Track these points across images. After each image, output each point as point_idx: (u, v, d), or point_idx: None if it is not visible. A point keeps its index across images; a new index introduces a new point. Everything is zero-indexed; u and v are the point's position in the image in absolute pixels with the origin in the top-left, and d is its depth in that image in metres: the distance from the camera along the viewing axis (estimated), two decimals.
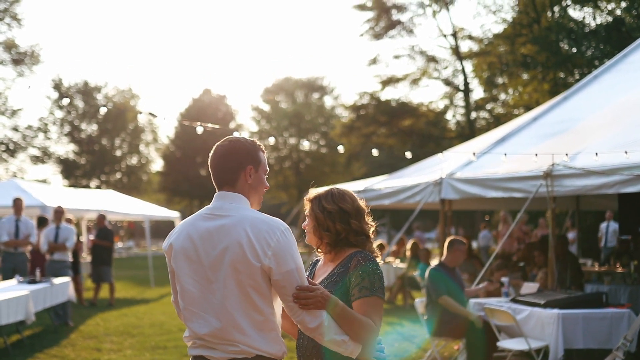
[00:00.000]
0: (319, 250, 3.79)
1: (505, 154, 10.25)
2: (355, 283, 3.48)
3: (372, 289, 3.46)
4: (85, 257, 20.71)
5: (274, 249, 3.20)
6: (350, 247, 3.65)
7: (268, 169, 3.55)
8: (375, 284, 3.48)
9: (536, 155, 9.64)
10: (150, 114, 7.11)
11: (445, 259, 9.12)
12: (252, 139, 3.51)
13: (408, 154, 11.79)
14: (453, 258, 9.09)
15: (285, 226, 3.31)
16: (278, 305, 3.37)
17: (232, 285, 3.23)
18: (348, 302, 3.45)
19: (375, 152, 11.79)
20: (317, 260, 3.91)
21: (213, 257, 3.26)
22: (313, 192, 3.78)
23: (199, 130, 7.28)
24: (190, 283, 3.32)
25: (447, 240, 9.35)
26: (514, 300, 9.21)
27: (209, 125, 7.47)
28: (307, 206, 3.75)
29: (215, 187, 3.47)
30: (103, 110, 18.99)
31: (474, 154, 10.98)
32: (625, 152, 8.54)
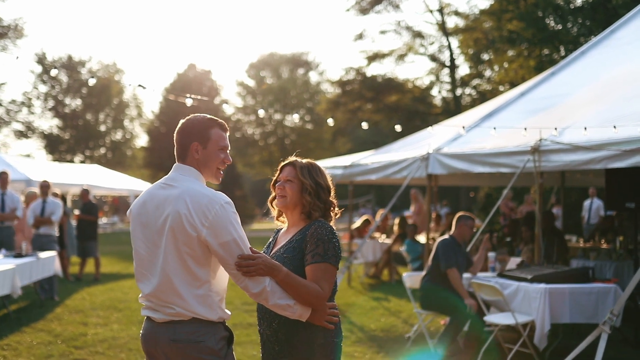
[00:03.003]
0: (280, 219, 4.06)
1: (495, 128, 10.23)
2: (310, 249, 3.69)
3: (325, 256, 3.66)
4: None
5: (211, 221, 3.42)
6: (315, 218, 3.86)
7: (227, 145, 3.73)
8: (329, 252, 3.68)
9: (525, 129, 9.62)
10: (140, 85, 7.01)
11: (454, 234, 9.16)
12: (210, 117, 3.74)
13: (398, 127, 11.74)
14: (460, 233, 9.15)
15: (226, 200, 3.51)
16: (223, 273, 3.60)
17: (171, 250, 3.49)
18: (303, 268, 3.68)
19: (364, 125, 11.76)
20: (281, 229, 4.11)
21: (159, 224, 3.54)
22: (297, 160, 4.00)
23: (188, 102, 7.24)
24: (141, 246, 3.63)
25: (456, 215, 9.41)
26: (501, 275, 9.24)
27: (198, 97, 7.41)
28: (290, 172, 3.93)
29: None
30: (92, 82, 18.89)
31: (463, 127, 10.96)
32: (614, 127, 8.54)
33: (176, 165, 3.68)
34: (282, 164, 4.02)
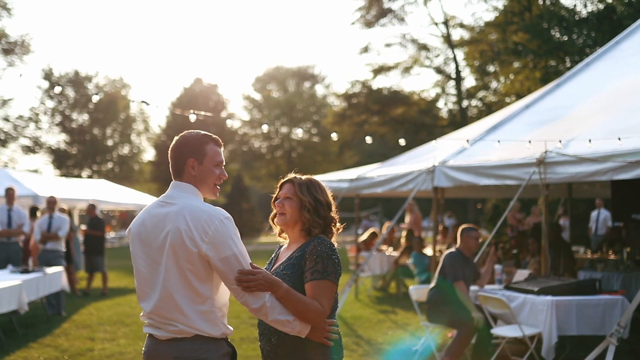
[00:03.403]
0: (282, 235, 4.07)
1: (499, 141, 10.23)
2: (309, 266, 3.68)
3: (325, 273, 3.64)
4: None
5: (211, 237, 3.43)
6: (315, 234, 3.85)
7: (222, 160, 3.74)
8: (328, 269, 3.66)
9: (530, 142, 9.62)
10: (143, 101, 7.06)
11: (460, 247, 9.11)
12: (204, 133, 3.75)
13: (402, 141, 11.74)
14: (465, 246, 9.06)
15: (225, 215, 3.52)
16: (224, 288, 3.59)
17: (172, 266, 3.49)
18: (303, 285, 3.67)
19: (368, 139, 11.75)
20: (283, 245, 4.11)
21: (159, 241, 3.54)
22: (296, 176, 3.99)
23: (192, 118, 7.25)
24: (142, 264, 3.62)
25: (459, 228, 9.37)
26: (508, 288, 9.23)
27: (202, 112, 7.44)
28: (289, 189, 3.93)
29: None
30: (95, 99, 19.13)
31: (467, 141, 10.96)
32: (619, 139, 8.53)
33: (173, 183, 3.69)
34: (282, 181, 4.02)
